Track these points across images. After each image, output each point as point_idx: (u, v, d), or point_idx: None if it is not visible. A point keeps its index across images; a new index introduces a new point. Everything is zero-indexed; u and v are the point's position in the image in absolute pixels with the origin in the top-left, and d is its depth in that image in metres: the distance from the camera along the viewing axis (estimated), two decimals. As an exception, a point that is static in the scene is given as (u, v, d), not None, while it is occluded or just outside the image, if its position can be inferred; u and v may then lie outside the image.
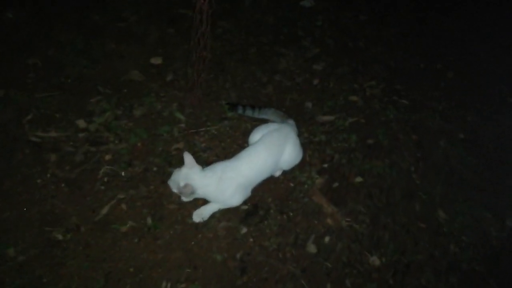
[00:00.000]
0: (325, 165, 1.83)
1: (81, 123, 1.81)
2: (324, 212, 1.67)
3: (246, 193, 1.62)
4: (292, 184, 1.74)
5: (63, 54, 2.09)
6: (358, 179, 1.79)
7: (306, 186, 1.74)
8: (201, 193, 1.54)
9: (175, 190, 1.54)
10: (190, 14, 2.07)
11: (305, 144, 1.85)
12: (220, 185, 1.54)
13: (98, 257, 1.45)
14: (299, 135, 1.80)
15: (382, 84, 2.29)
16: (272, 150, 1.63)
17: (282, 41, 2.44)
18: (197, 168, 1.53)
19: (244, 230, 1.57)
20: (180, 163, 1.54)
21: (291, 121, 1.81)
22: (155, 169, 1.70)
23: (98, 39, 2.20)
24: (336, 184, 1.76)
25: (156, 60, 2.18)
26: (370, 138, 1.97)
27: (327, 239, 1.59)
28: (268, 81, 2.19)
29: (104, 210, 1.56)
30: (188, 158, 1.52)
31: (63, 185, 1.61)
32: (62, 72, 2.02)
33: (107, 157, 1.71)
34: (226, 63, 2.23)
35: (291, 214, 1.65)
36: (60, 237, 1.48)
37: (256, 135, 1.72)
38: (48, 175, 1.63)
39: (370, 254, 1.57)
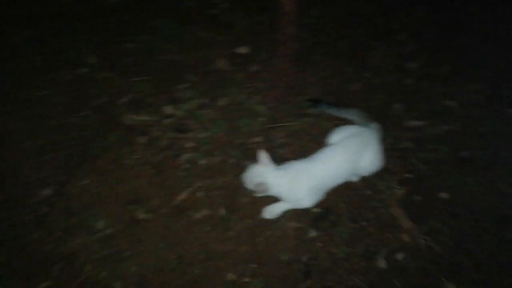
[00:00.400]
0: (408, 175, 1.70)
1: (169, 109, 1.92)
2: (401, 226, 1.57)
3: (319, 195, 1.59)
4: (369, 192, 1.65)
5: (155, 39, 2.21)
6: (444, 195, 1.64)
7: (384, 195, 1.64)
8: (273, 191, 1.55)
9: (249, 185, 1.57)
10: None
11: (388, 150, 1.73)
12: (292, 185, 1.53)
13: (173, 239, 1.54)
14: (383, 139, 1.70)
15: (488, 89, 2.04)
16: (349, 154, 1.56)
17: (375, 33, 2.29)
18: (271, 167, 1.53)
19: (313, 233, 1.55)
20: (257, 157, 1.56)
21: (374, 125, 1.71)
22: (232, 161, 1.74)
23: (188, 26, 2.28)
24: (418, 198, 1.63)
25: (243, 50, 2.20)
26: (464, 151, 1.78)
27: (400, 256, 1.50)
28: (356, 77, 2.09)
29: (182, 196, 1.65)
30: (263, 156, 1.52)
31: (147, 167, 1.73)
32: (153, 57, 2.14)
33: (189, 144, 1.80)
34: (313, 56, 2.17)
35: (364, 223, 1.58)
36: (142, 216, 1.60)
37: (335, 137, 1.66)
38: (136, 157, 1.76)
39: (446, 280, 1.45)
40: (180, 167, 1.73)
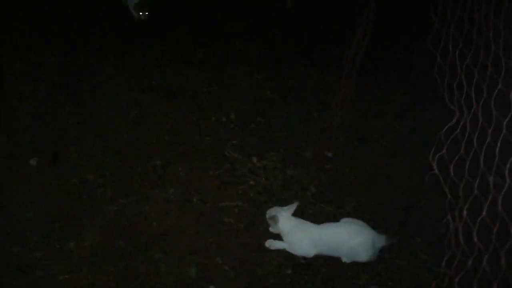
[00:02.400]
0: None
1: (254, 159, 2.71)
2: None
3: (313, 253, 2.06)
4: (349, 273, 2.04)
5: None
6: None
7: (359, 283, 2.00)
8: (282, 232, 2.10)
9: (268, 216, 2.15)
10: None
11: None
12: (296, 236, 2.07)
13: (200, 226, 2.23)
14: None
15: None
16: (350, 238, 2.02)
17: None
18: (287, 212, 2.12)
19: (289, 271, 2.02)
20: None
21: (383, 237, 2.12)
22: (270, 204, 2.38)
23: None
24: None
25: (329, 153, 2.90)
26: None
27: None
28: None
29: (226, 203, 2.35)
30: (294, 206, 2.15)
31: (217, 180, 2.51)
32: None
33: (252, 182, 2.52)
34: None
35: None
36: (194, 199, 2.35)
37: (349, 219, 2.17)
38: (218, 172, 2.58)
39: None
40: (237, 189, 2.44)
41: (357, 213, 2.35)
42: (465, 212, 1.08)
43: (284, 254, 2.11)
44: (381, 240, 2.05)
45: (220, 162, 2.62)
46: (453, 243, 1.12)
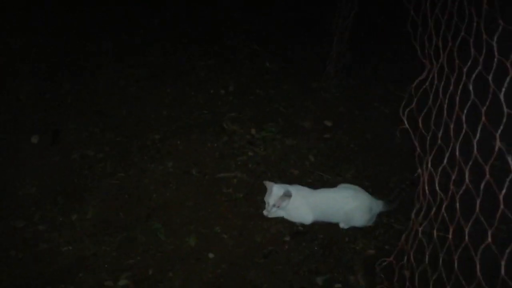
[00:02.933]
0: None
1: (253, 131, 2.70)
2: (353, 273, 1.91)
3: (310, 219, 2.07)
4: (346, 239, 2.06)
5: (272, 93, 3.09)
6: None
7: (357, 248, 2.02)
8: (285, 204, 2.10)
9: (270, 202, 2.09)
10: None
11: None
12: (295, 204, 2.07)
13: (200, 197, 2.25)
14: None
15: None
16: (347, 202, 2.02)
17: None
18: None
19: (287, 238, 2.04)
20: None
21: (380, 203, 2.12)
22: (269, 174, 2.38)
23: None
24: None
25: (328, 123, 2.88)
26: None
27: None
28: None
29: (222, 174, 2.37)
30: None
31: (217, 152, 2.52)
32: (271, 105, 3.00)
33: (250, 153, 2.53)
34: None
35: (327, 253, 1.99)
36: (194, 172, 2.36)
37: (345, 185, 2.17)
38: (215, 145, 2.57)
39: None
40: (236, 160, 2.45)
41: (355, 181, 2.34)
42: (429, 164, 1.07)
43: (282, 222, 2.13)
44: (378, 205, 2.05)
45: (219, 135, 2.62)
46: (421, 195, 1.12)
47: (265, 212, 2.15)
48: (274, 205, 2.05)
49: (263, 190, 2.16)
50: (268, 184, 2.09)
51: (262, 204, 2.17)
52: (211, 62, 3.22)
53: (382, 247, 2.02)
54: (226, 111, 2.80)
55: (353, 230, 2.09)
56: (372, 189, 2.28)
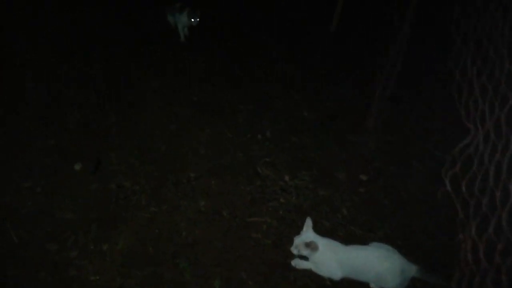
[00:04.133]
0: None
1: (287, 178, 2.71)
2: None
3: (340, 275, 2.01)
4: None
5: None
6: None
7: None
8: (308, 254, 2.06)
9: (295, 241, 2.09)
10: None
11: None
12: (325, 258, 2.02)
13: (228, 239, 2.24)
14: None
15: None
16: (374, 260, 1.96)
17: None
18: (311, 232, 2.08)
19: (313, 292, 1.98)
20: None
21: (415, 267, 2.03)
22: (299, 223, 2.35)
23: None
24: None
25: (364, 177, 2.85)
26: None
27: None
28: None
29: (254, 219, 2.36)
30: (309, 222, 2.09)
31: (248, 196, 2.53)
32: (309, 153, 3.02)
33: (282, 199, 2.52)
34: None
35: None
36: (224, 213, 2.37)
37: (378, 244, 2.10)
38: (249, 188, 2.59)
39: None
40: (267, 206, 2.45)
41: (388, 239, 2.28)
42: (473, 230, 1.03)
43: (310, 275, 2.08)
44: (411, 269, 1.96)
45: (252, 178, 2.65)
46: (462, 262, 1.07)
47: (293, 263, 2.11)
48: (296, 247, 2.02)
49: (292, 239, 2.14)
50: (307, 224, 2.07)
51: (290, 254, 2.14)
52: (250, 107, 3.31)
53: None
54: (261, 155, 2.84)
55: None
56: (405, 250, 2.20)
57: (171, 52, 3.91)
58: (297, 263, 2.10)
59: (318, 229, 2.31)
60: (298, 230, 2.13)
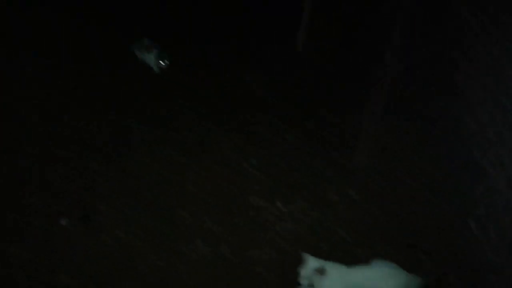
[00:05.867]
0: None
1: (279, 204, 2.72)
2: None
3: None
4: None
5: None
6: None
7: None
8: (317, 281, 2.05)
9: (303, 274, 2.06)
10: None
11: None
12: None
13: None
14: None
15: None
16: (379, 279, 1.98)
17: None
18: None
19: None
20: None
21: None
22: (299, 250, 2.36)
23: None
24: None
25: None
26: None
27: None
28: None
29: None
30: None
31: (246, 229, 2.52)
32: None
33: (278, 228, 2.52)
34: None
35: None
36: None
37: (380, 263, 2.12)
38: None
39: None
40: (265, 236, 2.45)
41: (388, 255, 2.31)
42: None
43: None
44: (415, 283, 2.00)
45: (246, 210, 2.65)
46: None
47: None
48: (305, 277, 2.01)
49: (295, 268, 2.15)
50: (305, 256, 2.08)
51: (294, 282, 2.14)
52: (233, 136, 3.32)
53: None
54: (251, 185, 2.85)
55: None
56: (406, 268, 2.24)
57: (143, 86, 3.87)
58: None
59: (318, 253, 2.33)
60: (298, 258, 2.15)
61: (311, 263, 2.04)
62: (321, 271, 1.99)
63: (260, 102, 3.77)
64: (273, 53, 4.60)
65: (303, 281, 2.03)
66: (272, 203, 2.71)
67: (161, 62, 3.94)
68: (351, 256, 2.34)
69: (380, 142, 3.02)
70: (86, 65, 4.11)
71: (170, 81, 4.03)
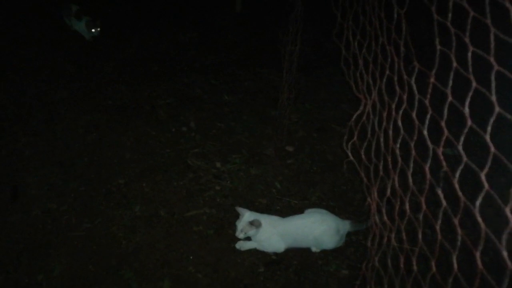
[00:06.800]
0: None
1: (218, 164, 2.73)
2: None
3: (282, 247, 2.10)
4: (320, 262, 2.10)
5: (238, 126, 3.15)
6: None
7: (330, 269, 2.06)
8: (253, 233, 2.12)
9: (239, 227, 2.13)
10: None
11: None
12: (265, 233, 2.10)
13: (171, 237, 2.23)
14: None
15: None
16: (315, 227, 2.07)
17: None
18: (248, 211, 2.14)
19: (262, 269, 2.05)
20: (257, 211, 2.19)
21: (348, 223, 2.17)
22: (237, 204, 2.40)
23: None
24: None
25: (290, 148, 2.96)
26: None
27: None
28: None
29: (191, 213, 2.36)
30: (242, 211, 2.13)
31: (183, 190, 2.52)
32: (232, 136, 3.05)
33: (217, 187, 2.54)
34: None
35: (302, 279, 2.01)
36: (162, 213, 2.35)
37: (312, 210, 2.22)
38: (182, 183, 2.58)
39: None
40: (204, 196, 2.46)
41: (322, 202, 2.42)
42: (375, 193, 1.14)
43: (255, 254, 2.15)
44: (345, 226, 2.11)
45: (184, 172, 2.63)
46: (373, 224, 1.18)
47: (237, 246, 2.16)
48: (242, 231, 2.07)
49: (233, 223, 2.18)
50: (240, 210, 2.12)
51: (234, 238, 2.19)
52: (170, 100, 3.25)
53: (355, 266, 2.07)
54: (190, 147, 2.82)
55: (325, 252, 2.14)
56: (338, 209, 2.36)
57: (73, 56, 3.69)
58: (241, 245, 2.16)
59: (256, 208, 2.40)
60: (237, 214, 2.18)
61: (247, 217, 2.08)
62: (256, 224, 2.04)
63: (198, 64, 3.70)
64: (210, 16, 4.51)
65: (240, 235, 2.08)
66: (211, 163, 2.71)
67: (93, 30, 3.78)
68: (288, 207, 2.42)
69: (310, 96, 3.07)
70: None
71: (101, 49, 3.85)
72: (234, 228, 2.14)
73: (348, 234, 2.18)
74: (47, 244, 2.16)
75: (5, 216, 2.30)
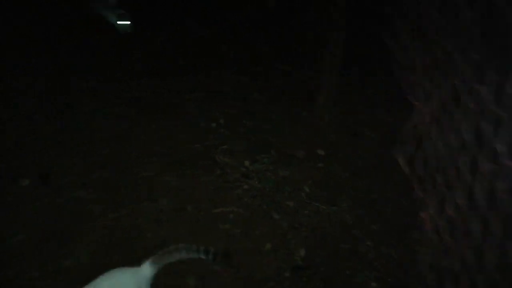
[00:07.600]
0: None
1: (246, 163, 2.69)
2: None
3: None
4: (347, 272, 2.04)
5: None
6: None
7: (358, 281, 2.00)
8: None
9: None
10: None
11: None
12: None
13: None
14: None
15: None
16: None
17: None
18: None
19: (287, 273, 2.01)
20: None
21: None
22: (265, 207, 2.36)
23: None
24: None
25: (321, 152, 2.89)
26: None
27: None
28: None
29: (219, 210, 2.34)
30: None
31: (211, 187, 2.49)
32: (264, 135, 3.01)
33: (245, 186, 2.51)
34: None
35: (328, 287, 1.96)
36: (189, 208, 2.33)
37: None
38: (209, 179, 2.55)
39: None
40: (231, 194, 2.43)
41: (351, 211, 2.35)
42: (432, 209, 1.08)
43: (281, 257, 2.10)
44: (144, 273, 1.77)
45: (212, 169, 2.60)
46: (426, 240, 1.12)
47: None
48: None
49: (261, 224, 2.15)
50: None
51: (261, 239, 2.15)
52: (199, 96, 3.23)
53: (384, 278, 2.00)
54: (218, 144, 2.79)
55: (354, 261, 2.08)
56: (367, 218, 2.29)
57: (103, 49, 3.70)
58: None
59: (283, 211, 2.35)
60: (264, 215, 2.15)
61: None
62: None
63: (229, 60, 3.68)
64: (243, 11, 4.48)
65: None
66: (240, 161, 2.67)
67: (124, 22, 3.81)
68: (316, 212, 2.36)
69: (345, 99, 3.01)
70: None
71: (131, 41, 3.86)
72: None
73: (377, 245, 2.12)
74: (75, 231, 2.16)
75: (34, 201, 2.32)
